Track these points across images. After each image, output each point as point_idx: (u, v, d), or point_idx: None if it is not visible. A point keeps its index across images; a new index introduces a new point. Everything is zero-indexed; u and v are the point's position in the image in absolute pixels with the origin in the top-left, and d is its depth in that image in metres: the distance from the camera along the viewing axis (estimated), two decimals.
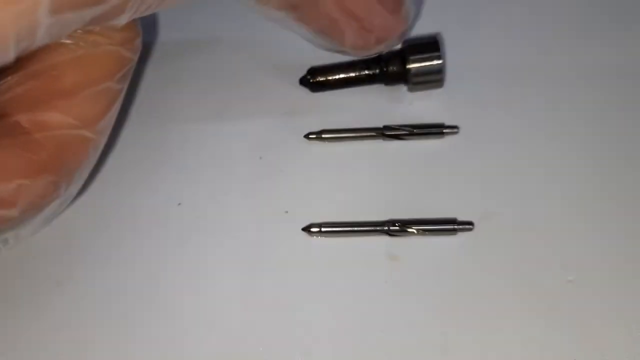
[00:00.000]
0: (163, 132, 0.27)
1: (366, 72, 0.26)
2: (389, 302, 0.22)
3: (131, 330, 0.22)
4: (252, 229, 0.24)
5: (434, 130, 0.25)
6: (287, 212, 0.24)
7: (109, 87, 0.21)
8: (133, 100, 0.28)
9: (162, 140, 0.27)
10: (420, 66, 0.25)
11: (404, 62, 0.26)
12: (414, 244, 0.23)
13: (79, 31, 0.19)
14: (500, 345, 0.21)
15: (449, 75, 0.27)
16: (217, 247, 0.24)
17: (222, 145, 0.26)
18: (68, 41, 0.20)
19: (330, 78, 0.27)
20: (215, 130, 0.27)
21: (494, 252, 0.23)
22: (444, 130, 0.25)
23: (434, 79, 0.26)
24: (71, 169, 0.21)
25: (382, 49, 0.26)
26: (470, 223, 0.23)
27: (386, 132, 0.25)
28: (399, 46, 0.26)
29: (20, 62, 0.20)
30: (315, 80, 0.27)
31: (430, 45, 0.25)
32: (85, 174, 0.23)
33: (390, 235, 0.23)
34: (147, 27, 0.31)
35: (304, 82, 0.27)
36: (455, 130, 0.26)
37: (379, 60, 0.26)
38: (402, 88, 0.27)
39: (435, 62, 0.25)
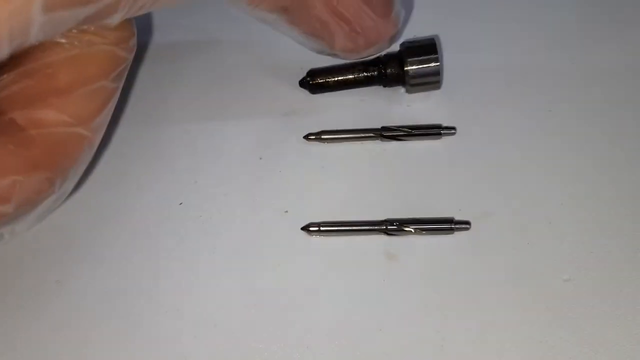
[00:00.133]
0: (166, 132, 0.27)
1: (364, 74, 0.27)
2: (387, 301, 0.22)
3: (131, 330, 0.22)
4: (252, 228, 0.24)
5: (431, 131, 0.26)
6: (286, 211, 0.25)
7: (104, 85, 0.21)
8: (136, 100, 0.28)
9: (164, 141, 0.27)
10: (418, 68, 0.26)
11: (401, 64, 0.26)
12: (411, 243, 0.23)
13: (74, 30, 0.19)
14: (497, 343, 0.21)
15: (447, 77, 0.28)
16: (217, 246, 0.24)
17: (223, 145, 0.27)
18: (63, 40, 0.20)
19: (329, 80, 0.27)
20: (216, 130, 0.27)
21: (491, 251, 0.23)
22: (442, 131, 0.26)
23: (431, 80, 0.26)
24: (66, 166, 0.22)
25: (373, 52, 0.27)
26: (467, 222, 0.23)
27: (384, 133, 0.26)
28: (396, 48, 0.27)
29: (16, 60, 0.20)
30: (314, 82, 0.27)
31: (428, 48, 0.26)
32: (80, 171, 0.23)
33: (388, 234, 0.23)
34: (151, 28, 0.31)
35: (303, 83, 0.27)
36: (452, 131, 0.26)
37: (377, 62, 0.27)
38: (400, 90, 0.27)
39: (432, 64, 0.26)
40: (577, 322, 0.21)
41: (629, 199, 0.24)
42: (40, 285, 0.23)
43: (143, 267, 0.24)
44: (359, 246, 0.24)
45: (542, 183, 0.25)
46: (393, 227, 0.23)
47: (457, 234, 0.23)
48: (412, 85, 0.26)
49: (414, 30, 0.28)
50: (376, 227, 0.23)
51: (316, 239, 0.24)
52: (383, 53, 0.27)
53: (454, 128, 0.26)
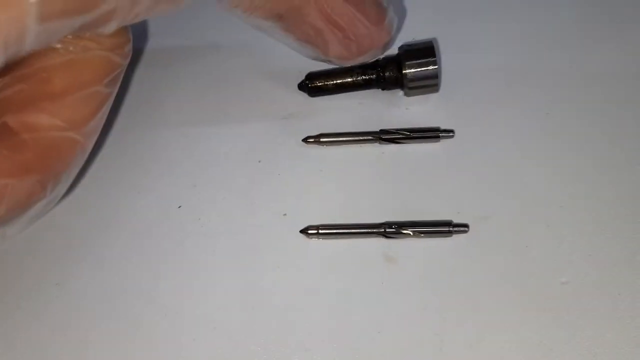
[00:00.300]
0: (165, 136, 0.27)
1: (363, 77, 0.27)
2: (386, 303, 0.22)
3: (130, 331, 0.22)
4: (251, 231, 0.24)
5: (429, 134, 0.26)
6: (285, 214, 0.25)
7: (98, 91, 0.21)
8: (135, 104, 0.29)
9: (163, 145, 0.27)
10: (416, 71, 0.26)
11: (400, 67, 0.26)
12: (410, 245, 0.23)
13: (69, 36, 0.19)
14: (495, 346, 0.21)
15: (445, 80, 0.28)
16: (216, 249, 0.24)
17: (222, 149, 0.27)
18: (58, 45, 0.20)
19: (327, 83, 0.27)
20: (214, 134, 0.27)
21: (489, 254, 0.23)
22: (440, 134, 0.26)
23: (429, 83, 0.26)
24: (58, 170, 0.22)
25: (367, 58, 0.27)
26: (466, 225, 0.23)
27: (383, 136, 0.26)
28: (395, 51, 0.27)
29: (10, 65, 0.19)
30: (313, 85, 0.27)
31: (426, 51, 0.26)
32: (72, 176, 0.23)
33: (386, 237, 0.24)
34: (149, 34, 0.31)
35: (302, 87, 0.27)
36: (450, 134, 0.26)
37: (375, 66, 0.27)
38: (399, 93, 0.28)
39: (430, 67, 0.26)
40: (575, 325, 0.21)
41: (628, 201, 0.24)
42: (40, 287, 0.24)
43: (142, 270, 0.24)
44: (357, 249, 0.24)
45: (540, 185, 0.25)
46: (392, 230, 0.23)
47: (455, 236, 0.23)
48: (411, 88, 0.26)
49: (412, 33, 0.28)
50: (375, 230, 0.24)
51: (315, 242, 0.24)
52: (381, 56, 0.27)
53: (452, 131, 0.26)
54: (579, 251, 0.23)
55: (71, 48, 0.20)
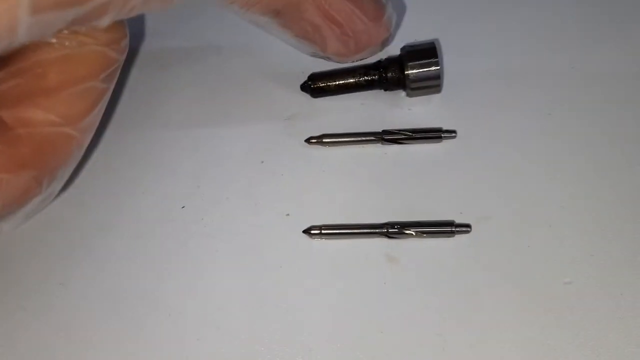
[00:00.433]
0: (168, 137, 0.27)
1: (365, 78, 0.27)
2: (388, 303, 0.22)
3: (134, 331, 0.23)
4: (254, 231, 0.24)
5: (432, 134, 0.26)
6: (288, 214, 0.25)
7: (94, 86, 0.21)
8: (140, 105, 0.29)
9: (167, 145, 0.27)
10: (418, 72, 0.26)
11: (402, 68, 0.26)
12: (412, 246, 0.24)
13: (65, 31, 0.19)
14: (498, 346, 0.21)
15: (447, 80, 0.28)
16: (220, 249, 0.24)
17: (225, 149, 0.27)
18: (53, 40, 0.20)
19: (330, 84, 0.27)
20: (217, 135, 0.27)
21: (491, 254, 0.23)
22: (442, 135, 0.26)
23: (431, 84, 0.26)
24: (53, 165, 0.22)
25: (365, 55, 0.27)
26: (468, 225, 0.24)
27: (385, 137, 0.26)
28: (397, 52, 0.27)
29: (5, 59, 0.20)
30: (315, 85, 0.27)
31: (428, 52, 0.26)
32: (68, 172, 0.23)
33: (389, 237, 0.24)
34: (152, 35, 0.32)
35: (304, 87, 0.28)
36: (452, 134, 0.26)
37: (378, 66, 0.27)
38: (401, 93, 0.28)
39: (433, 68, 0.26)
40: (577, 325, 0.21)
41: (630, 202, 0.24)
42: (44, 287, 0.24)
43: (146, 270, 0.24)
44: (360, 249, 0.24)
45: (542, 186, 0.25)
46: (394, 230, 0.23)
47: (457, 236, 0.24)
48: (413, 89, 0.26)
49: (412, 30, 0.28)
50: (377, 230, 0.24)
51: (318, 242, 0.24)
52: (384, 57, 0.27)
53: (454, 131, 0.26)
54: (581, 251, 0.23)
55: (67, 43, 0.20)
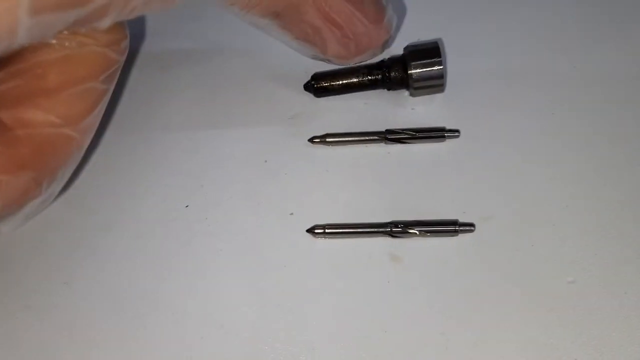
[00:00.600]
0: (172, 136, 0.27)
1: (369, 77, 0.27)
2: (392, 302, 0.22)
3: (137, 330, 0.23)
4: (257, 231, 0.24)
5: (435, 134, 0.26)
6: (292, 214, 0.25)
7: (94, 87, 0.21)
8: (143, 106, 0.29)
9: (170, 145, 0.27)
10: (422, 71, 0.26)
11: (405, 67, 0.26)
12: (416, 245, 0.24)
13: (64, 32, 0.19)
14: (501, 345, 0.21)
15: (450, 80, 0.28)
16: (223, 248, 0.24)
17: (228, 149, 0.27)
18: (53, 41, 0.20)
19: (333, 83, 0.27)
20: (221, 134, 0.27)
21: (495, 253, 0.23)
22: (445, 134, 0.26)
23: (435, 84, 0.26)
24: (53, 166, 0.21)
25: (366, 57, 0.27)
26: (471, 224, 0.24)
27: (389, 136, 0.26)
28: (400, 52, 0.27)
29: (5, 60, 0.20)
30: (319, 85, 0.27)
31: (431, 51, 0.26)
32: (68, 173, 0.23)
33: (392, 236, 0.24)
34: (154, 36, 0.32)
35: (307, 87, 0.28)
36: (456, 134, 0.26)
37: (381, 66, 0.27)
38: (404, 93, 0.28)
39: (436, 67, 0.26)
40: (581, 324, 0.21)
41: (634, 201, 0.24)
42: (47, 286, 0.24)
43: (149, 269, 0.24)
44: (363, 248, 0.24)
45: (545, 185, 0.25)
46: (398, 229, 0.23)
47: (461, 236, 0.24)
48: (416, 88, 0.26)
49: (415, 36, 0.28)
50: (381, 230, 0.24)
51: (321, 241, 0.24)
52: (387, 57, 0.27)
53: (457, 131, 0.26)
54: (584, 251, 0.23)
55: (67, 44, 0.20)
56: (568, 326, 0.21)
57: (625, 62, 0.28)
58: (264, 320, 0.22)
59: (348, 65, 0.28)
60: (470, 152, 0.26)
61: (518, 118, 0.27)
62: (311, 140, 0.26)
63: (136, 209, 0.25)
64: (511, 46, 0.29)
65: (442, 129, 0.26)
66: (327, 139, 0.26)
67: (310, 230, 0.24)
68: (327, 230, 0.24)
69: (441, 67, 0.26)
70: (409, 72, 0.26)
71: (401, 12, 0.31)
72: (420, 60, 0.26)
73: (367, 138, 0.26)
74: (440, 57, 0.26)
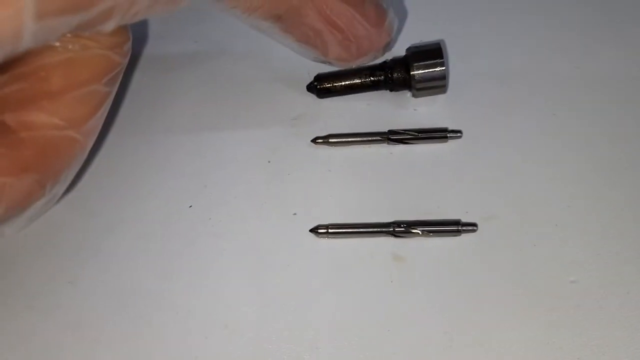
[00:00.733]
0: (176, 137, 0.28)
1: (371, 78, 0.27)
2: (395, 302, 0.22)
3: (141, 329, 0.23)
4: (261, 231, 0.25)
5: (437, 134, 0.26)
6: (295, 214, 0.25)
7: (97, 89, 0.21)
8: (148, 108, 0.29)
9: (174, 146, 0.27)
10: (424, 72, 0.26)
11: (407, 68, 0.26)
12: (418, 244, 0.24)
13: (68, 35, 0.19)
14: (504, 345, 0.21)
15: (452, 81, 0.28)
16: (227, 248, 0.24)
17: (232, 150, 0.27)
18: (57, 44, 0.20)
19: (336, 84, 0.27)
20: (224, 135, 0.27)
21: (497, 253, 0.23)
22: (448, 135, 0.26)
23: (437, 84, 0.26)
24: (57, 168, 0.22)
25: (367, 60, 0.27)
26: (474, 224, 0.24)
27: (391, 137, 0.26)
28: (402, 53, 0.27)
29: (9, 63, 0.20)
30: (321, 86, 0.27)
31: (434, 52, 0.26)
32: (71, 175, 0.23)
33: (395, 236, 0.24)
34: (157, 38, 0.32)
35: (310, 88, 0.28)
36: (458, 134, 0.26)
37: (383, 67, 0.27)
38: (407, 94, 0.28)
39: (438, 68, 0.26)
40: (583, 324, 0.21)
41: (635, 200, 0.24)
42: (52, 286, 0.24)
43: (154, 268, 0.24)
44: (366, 248, 0.24)
45: (547, 185, 0.25)
46: (400, 229, 0.23)
47: (463, 235, 0.24)
48: (418, 89, 0.27)
49: (417, 38, 0.29)
50: (384, 229, 0.24)
51: (324, 241, 0.24)
52: (389, 58, 0.27)
53: (460, 131, 0.26)
54: (587, 250, 0.23)
55: (70, 46, 0.20)
56: (570, 326, 0.21)
57: (625, 63, 0.28)
58: (267, 320, 0.22)
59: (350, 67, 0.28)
60: (473, 152, 0.26)
61: (519, 118, 0.27)
62: (314, 141, 0.27)
63: (139, 210, 0.26)
64: (512, 47, 0.29)
65: (445, 130, 0.26)
66: (330, 140, 0.26)
67: (314, 230, 0.24)
68: (330, 230, 0.24)
69: (443, 68, 0.26)
70: (412, 73, 0.26)
71: (402, 15, 0.31)
72: (423, 62, 0.26)
73: (369, 139, 0.26)
74: (442, 58, 0.26)
